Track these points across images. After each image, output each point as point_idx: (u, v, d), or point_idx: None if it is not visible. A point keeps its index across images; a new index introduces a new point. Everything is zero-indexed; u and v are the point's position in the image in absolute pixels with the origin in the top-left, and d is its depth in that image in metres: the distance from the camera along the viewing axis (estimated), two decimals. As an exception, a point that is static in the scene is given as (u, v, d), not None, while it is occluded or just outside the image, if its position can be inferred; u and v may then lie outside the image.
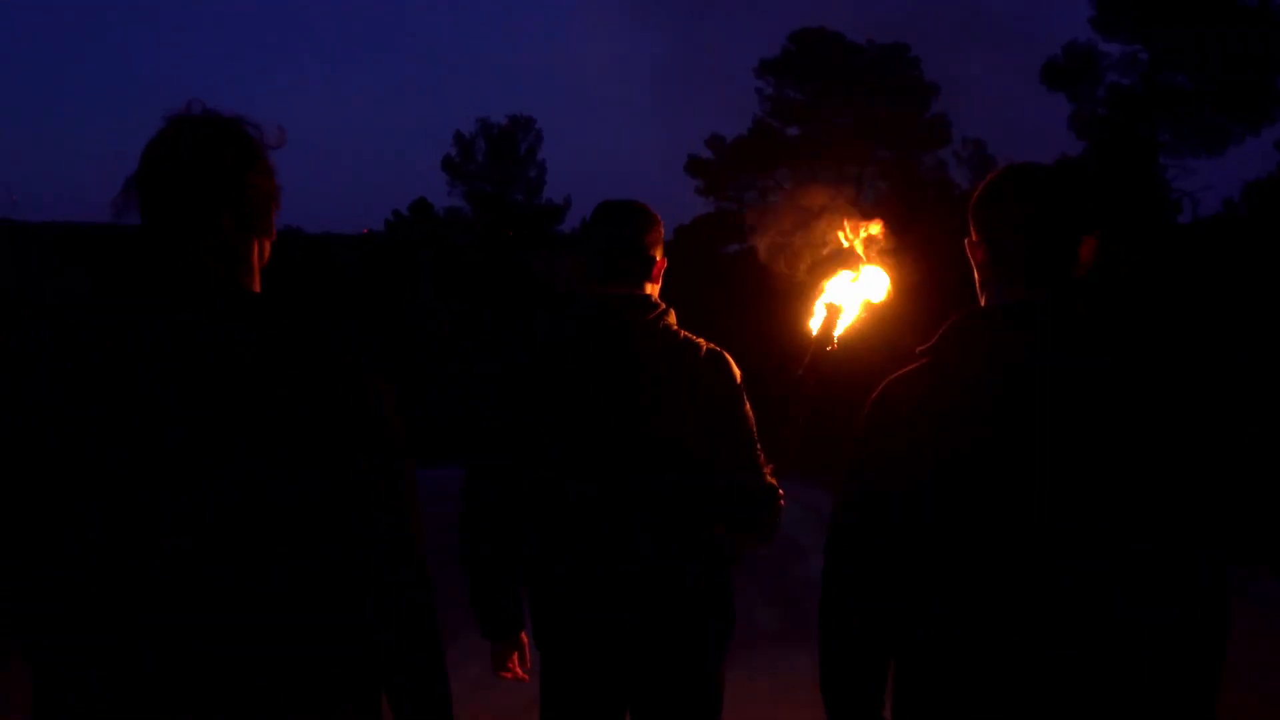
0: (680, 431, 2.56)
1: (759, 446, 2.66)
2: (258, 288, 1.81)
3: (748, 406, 2.65)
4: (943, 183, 35.62)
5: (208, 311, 1.70)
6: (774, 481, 2.68)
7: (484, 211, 41.59)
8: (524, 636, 2.80)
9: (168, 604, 1.64)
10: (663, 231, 2.79)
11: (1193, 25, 28.80)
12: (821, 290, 2.89)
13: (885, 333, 2.90)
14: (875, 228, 2.82)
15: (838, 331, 2.83)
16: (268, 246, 1.85)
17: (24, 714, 1.72)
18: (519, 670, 2.79)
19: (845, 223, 2.86)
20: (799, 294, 2.97)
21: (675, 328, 2.68)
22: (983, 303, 1.96)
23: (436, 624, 1.80)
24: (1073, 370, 1.77)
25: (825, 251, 2.90)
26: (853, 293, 2.86)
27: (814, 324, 2.86)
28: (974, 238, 1.96)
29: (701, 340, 2.68)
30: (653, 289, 2.75)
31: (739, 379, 2.65)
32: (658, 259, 2.75)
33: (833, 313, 2.84)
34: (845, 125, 35.76)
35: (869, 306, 2.87)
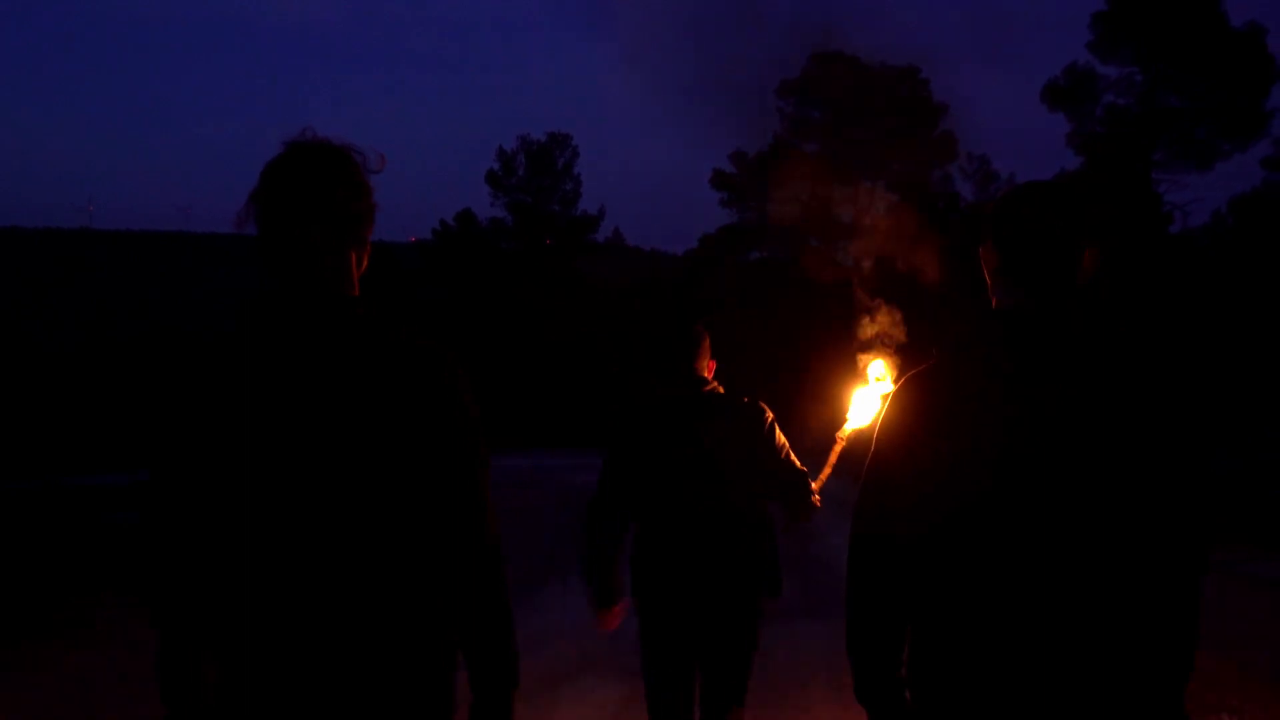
0: (736, 460, 3.53)
1: (792, 453, 3.62)
2: (356, 292, 1.89)
3: (779, 432, 3.59)
4: (950, 195, 35.43)
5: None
6: (804, 469, 3.61)
7: (525, 221, 41.59)
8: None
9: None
10: (709, 343, 3.69)
11: (1186, 50, 28.49)
12: (869, 381, 3.68)
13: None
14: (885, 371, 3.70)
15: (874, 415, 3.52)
16: (365, 257, 1.93)
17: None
18: (614, 625, 3.59)
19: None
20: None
21: (722, 392, 3.62)
22: (994, 305, 2.00)
23: (508, 593, 1.90)
24: (1069, 372, 1.80)
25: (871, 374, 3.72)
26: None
27: (864, 411, 3.62)
28: (988, 246, 2.00)
29: (745, 398, 3.60)
30: (708, 372, 3.67)
31: (771, 417, 3.59)
32: (709, 364, 3.67)
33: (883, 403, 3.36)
34: (859, 142, 35.58)
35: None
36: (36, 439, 21.22)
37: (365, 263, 1.93)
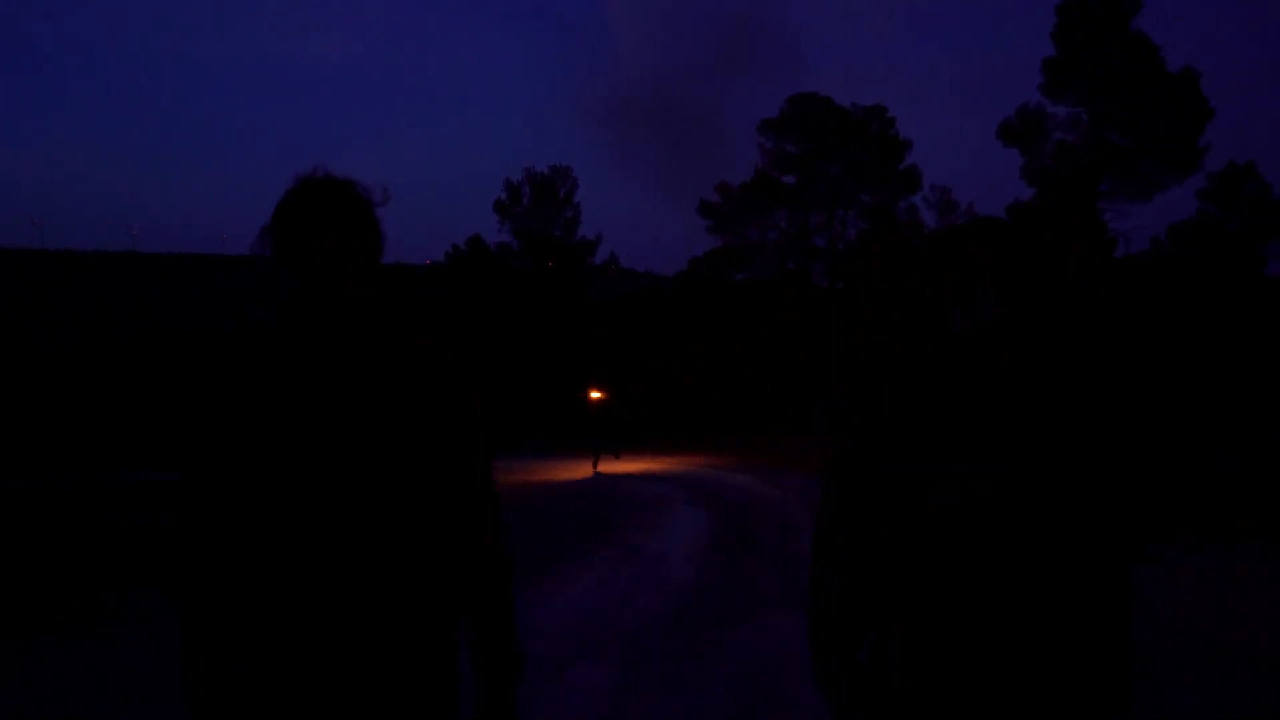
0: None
1: None
2: (372, 299, 1.82)
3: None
4: (914, 223, 35.81)
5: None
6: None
7: (529, 246, 41.73)
8: None
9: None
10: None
11: (1129, 92, 28.90)
12: None
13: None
14: None
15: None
16: (376, 274, 1.85)
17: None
18: None
19: None
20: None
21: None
22: (955, 328, 1.90)
23: (511, 584, 1.85)
24: (1069, 373, 1.73)
25: None
26: None
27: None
28: (951, 270, 1.92)
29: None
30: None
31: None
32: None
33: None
34: (833, 174, 35.97)
35: None
36: (35, 439, 20.94)
37: (376, 280, 1.84)
